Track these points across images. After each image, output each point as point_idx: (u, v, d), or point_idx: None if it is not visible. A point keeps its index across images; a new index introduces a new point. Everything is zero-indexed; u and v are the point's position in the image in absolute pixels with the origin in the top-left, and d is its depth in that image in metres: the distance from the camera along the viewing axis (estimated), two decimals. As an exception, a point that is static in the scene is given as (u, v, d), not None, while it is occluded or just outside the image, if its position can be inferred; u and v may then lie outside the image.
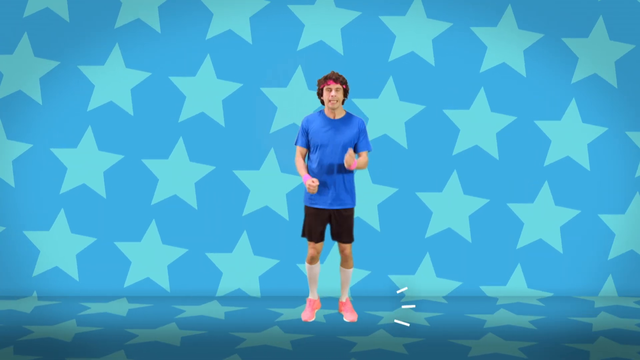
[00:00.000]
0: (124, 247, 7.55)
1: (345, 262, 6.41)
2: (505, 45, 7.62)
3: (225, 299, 7.17)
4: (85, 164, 7.55)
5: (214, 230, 7.61)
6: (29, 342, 5.92)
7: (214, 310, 6.77)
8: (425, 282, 7.55)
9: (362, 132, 6.28)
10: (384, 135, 7.57)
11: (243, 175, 7.60)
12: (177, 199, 7.60)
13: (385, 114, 7.53)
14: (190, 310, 6.74)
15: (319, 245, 6.35)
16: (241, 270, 7.55)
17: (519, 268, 7.67)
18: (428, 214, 7.66)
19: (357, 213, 7.26)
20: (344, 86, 6.22)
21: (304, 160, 6.29)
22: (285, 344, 5.82)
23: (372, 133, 7.42)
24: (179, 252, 7.58)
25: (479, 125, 7.69)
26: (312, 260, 6.42)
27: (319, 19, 7.47)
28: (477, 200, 7.71)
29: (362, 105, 7.47)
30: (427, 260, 7.63)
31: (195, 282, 7.47)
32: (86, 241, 7.54)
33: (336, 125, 6.21)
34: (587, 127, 7.77)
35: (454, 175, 7.68)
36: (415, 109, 7.55)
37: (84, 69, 7.49)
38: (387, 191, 7.58)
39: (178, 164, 7.59)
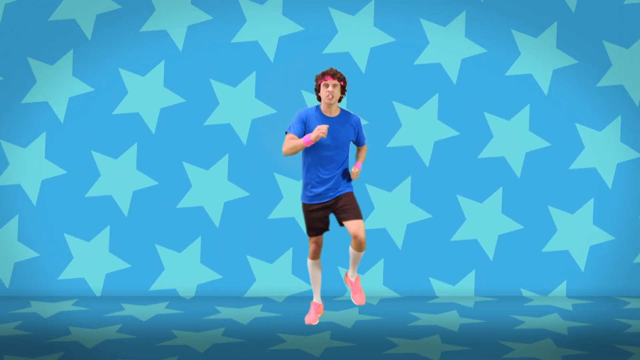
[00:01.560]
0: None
1: (358, 246, 6.20)
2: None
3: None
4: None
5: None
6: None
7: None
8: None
9: (359, 128, 6.13)
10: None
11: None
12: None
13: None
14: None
15: (319, 239, 6.21)
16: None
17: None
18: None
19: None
20: (342, 83, 6.04)
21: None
22: None
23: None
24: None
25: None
26: (315, 256, 6.27)
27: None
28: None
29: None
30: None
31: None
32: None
33: (334, 123, 6.04)
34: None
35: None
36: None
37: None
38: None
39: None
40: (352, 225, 6.11)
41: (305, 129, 6.06)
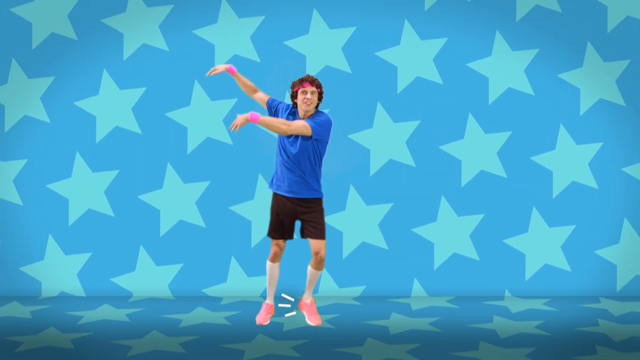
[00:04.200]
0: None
1: (317, 264, 6.41)
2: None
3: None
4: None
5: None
6: None
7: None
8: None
9: (320, 119, 6.19)
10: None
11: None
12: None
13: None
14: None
15: (281, 242, 6.42)
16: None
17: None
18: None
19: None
20: (319, 90, 6.21)
21: (257, 97, 6.47)
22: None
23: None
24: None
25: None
26: (275, 259, 6.48)
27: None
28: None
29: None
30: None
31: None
32: None
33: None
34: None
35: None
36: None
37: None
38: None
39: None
40: (315, 244, 6.27)
41: (275, 115, 6.31)
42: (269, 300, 6.62)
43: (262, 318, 6.53)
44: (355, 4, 7.60)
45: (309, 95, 6.11)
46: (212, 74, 6.36)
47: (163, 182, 7.58)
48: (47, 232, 7.55)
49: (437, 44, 7.64)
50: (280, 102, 6.36)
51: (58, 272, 7.55)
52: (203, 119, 7.57)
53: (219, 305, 7.13)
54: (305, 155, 6.16)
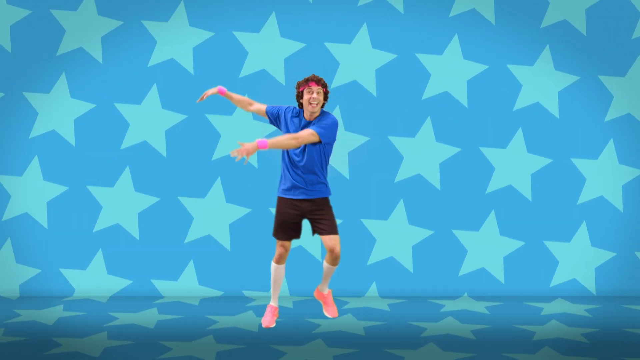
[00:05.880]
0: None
1: (333, 260, 6.23)
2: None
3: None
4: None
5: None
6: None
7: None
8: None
9: (321, 123, 6.02)
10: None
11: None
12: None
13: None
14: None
15: (287, 243, 6.25)
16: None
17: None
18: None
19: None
20: (325, 89, 6.09)
21: (255, 109, 6.29)
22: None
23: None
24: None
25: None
26: (280, 260, 6.32)
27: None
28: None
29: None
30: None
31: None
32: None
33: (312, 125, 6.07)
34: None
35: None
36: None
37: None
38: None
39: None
40: (328, 240, 6.12)
41: (278, 121, 6.18)
42: (274, 303, 6.47)
43: (268, 321, 6.38)
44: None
45: (314, 95, 5.99)
46: (202, 99, 6.32)
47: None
48: None
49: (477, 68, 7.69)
50: (280, 107, 6.23)
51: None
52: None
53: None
54: (312, 163, 6.05)
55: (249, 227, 7.77)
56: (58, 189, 7.69)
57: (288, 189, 6.13)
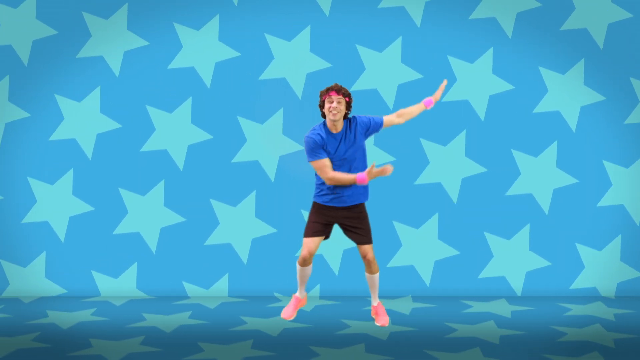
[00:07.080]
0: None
1: (368, 267, 6.16)
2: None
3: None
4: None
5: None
6: None
7: None
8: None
9: (366, 125, 6.05)
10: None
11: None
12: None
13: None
14: None
15: (314, 244, 6.11)
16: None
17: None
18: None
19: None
20: (347, 99, 6.00)
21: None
22: None
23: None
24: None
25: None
26: (305, 263, 6.17)
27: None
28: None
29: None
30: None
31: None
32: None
33: (338, 140, 5.98)
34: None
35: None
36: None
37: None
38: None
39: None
40: (361, 248, 6.16)
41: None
42: (299, 294, 6.33)
43: (289, 312, 6.28)
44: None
45: (334, 104, 5.93)
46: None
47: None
48: None
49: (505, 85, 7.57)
50: (318, 151, 6.07)
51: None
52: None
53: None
54: (357, 170, 6.00)
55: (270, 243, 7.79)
56: (84, 207, 7.76)
57: (330, 198, 6.08)
